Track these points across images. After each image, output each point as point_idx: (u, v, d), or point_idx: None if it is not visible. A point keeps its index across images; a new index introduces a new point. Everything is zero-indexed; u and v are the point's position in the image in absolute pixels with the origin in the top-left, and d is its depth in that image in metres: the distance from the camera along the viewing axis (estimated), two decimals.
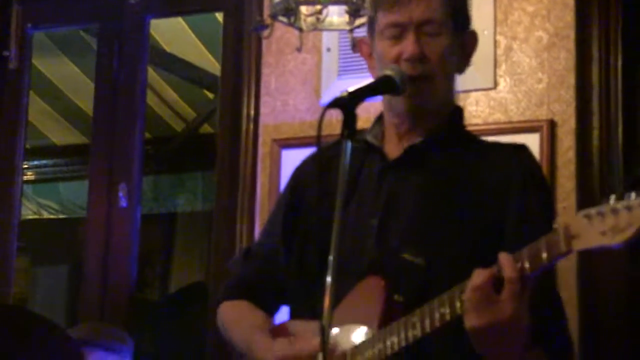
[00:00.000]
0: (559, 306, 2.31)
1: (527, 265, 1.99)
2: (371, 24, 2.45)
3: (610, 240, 1.84)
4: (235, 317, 2.54)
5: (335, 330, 2.23)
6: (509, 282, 2.01)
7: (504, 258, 2.02)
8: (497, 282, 2.02)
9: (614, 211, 1.83)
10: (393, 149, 2.43)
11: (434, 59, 2.34)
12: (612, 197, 1.84)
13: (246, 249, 2.72)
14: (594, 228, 1.87)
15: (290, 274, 2.49)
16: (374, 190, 2.40)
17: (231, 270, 2.68)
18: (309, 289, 2.35)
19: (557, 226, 1.94)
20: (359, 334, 2.24)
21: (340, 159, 2.04)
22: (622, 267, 3.64)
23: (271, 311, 2.57)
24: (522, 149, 2.43)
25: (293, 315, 2.49)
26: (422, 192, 2.35)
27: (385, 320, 2.20)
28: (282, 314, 2.57)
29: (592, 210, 1.87)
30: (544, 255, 1.95)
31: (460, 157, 2.39)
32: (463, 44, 2.44)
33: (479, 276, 2.03)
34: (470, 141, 2.48)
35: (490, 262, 2.05)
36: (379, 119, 2.50)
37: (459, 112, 2.50)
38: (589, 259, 3.54)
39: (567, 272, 3.48)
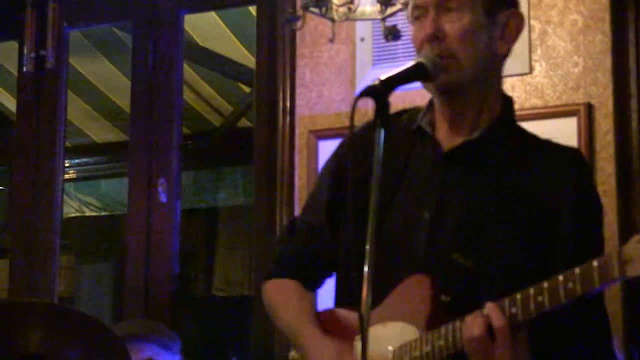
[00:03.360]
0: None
1: (518, 312, 2.01)
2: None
3: None
4: (282, 299, 2.52)
5: (380, 326, 2.23)
6: (498, 332, 2.03)
7: (490, 308, 2.04)
8: (492, 331, 2.05)
9: None
10: (445, 137, 2.35)
11: (453, 35, 2.24)
12: None
13: (290, 225, 2.64)
14: None
15: (336, 250, 2.45)
16: (425, 181, 2.34)
17: (276, 246, 2.65)
18: (350, 275, 2.31)
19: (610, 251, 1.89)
20: (405, 333, 2.22)
21: (375, 148, 2.02)
22: None
23: (316, 286, 2.55)
24: (577, 157, 2.36)
25: (337, 297, 2.46)
26: (476, 191, 2.28)
27: (432, 321, 2.17)
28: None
29: None
30: (596, 279, 1.90)
31: (515, 157, 2.32)
32: (501, 23, 2.31)
33: (474, 327, 2.05)
34: (524, 138, 2.39)
35: (538, 270, 2.08)
36: (431, 105, 2.42)
37: (510, 103, 2.40)
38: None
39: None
